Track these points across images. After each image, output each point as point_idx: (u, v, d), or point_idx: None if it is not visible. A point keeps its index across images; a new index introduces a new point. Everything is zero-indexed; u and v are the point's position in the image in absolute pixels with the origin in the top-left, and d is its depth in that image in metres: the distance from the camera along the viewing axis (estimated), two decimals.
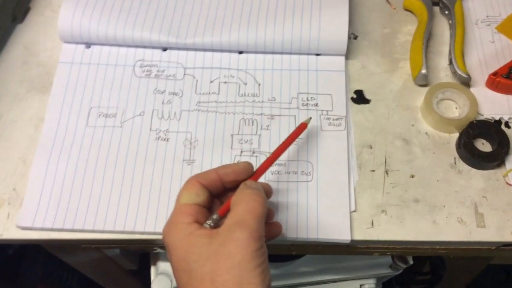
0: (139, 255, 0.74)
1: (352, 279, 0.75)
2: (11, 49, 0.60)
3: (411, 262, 0.71)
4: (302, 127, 0.48)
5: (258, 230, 0.35)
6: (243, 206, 0.37)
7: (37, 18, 0.62)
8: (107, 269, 0.72)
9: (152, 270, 0.66)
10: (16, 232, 0.49)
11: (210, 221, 0.38)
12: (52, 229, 0.48)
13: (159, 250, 0.56)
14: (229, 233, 0.35)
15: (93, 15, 0.56)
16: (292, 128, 0.53)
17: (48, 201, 0.49)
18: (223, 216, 0.39)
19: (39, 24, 0.62)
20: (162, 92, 0.56)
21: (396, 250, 0.52)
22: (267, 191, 0.44)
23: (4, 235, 0.49)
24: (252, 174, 0.42)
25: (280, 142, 0.51)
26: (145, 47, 0.58)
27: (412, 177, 0.51)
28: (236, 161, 0.52)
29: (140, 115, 0.55)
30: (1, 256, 0.93)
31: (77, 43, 0.58)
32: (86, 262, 0.67)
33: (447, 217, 0.49)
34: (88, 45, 0.58)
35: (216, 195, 0.42)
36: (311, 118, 0.50)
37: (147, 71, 0.57)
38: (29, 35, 0.61)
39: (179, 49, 0.58)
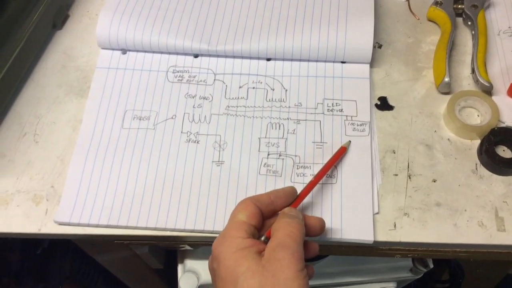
0: (165, 255, 0.76)
1: (373, 282, 0.76)
2: (51, 54, 0.63)
3: (431, 266, 0.72)
4: (342, 151, 0.52)
5: (299, 251, 0.39)
6: (282, 231, 0.40)
7: (75, 25, 0.66)
8: (134, 268, 0.74)
9: (179, 267, 0.68)
10: (54, 227, 0.51)
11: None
12: (88, 225, 0.51)
13: (187, 247, 0.58)
14: (273, 254, 0.38)
15: (129, 24, 0.59)
16: (317, 132, 0.55)
17: (84, 198, 0.52)
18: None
19: (77, 30, 0.65)
20: (193, 97, 0.59)
21: (417, 252, 0.53)
22: (319, 227, 0.46)
23: (42, 230, 0.51)
24: (296, 198, 0.46)
25: (305, 147, 0.54)
26: (177, 53, 0.61)
27: (434, 181, 0.53)
28: (263, 164, 0.54)
29: (172, 118, 0.57)
30: (30, 255, 0.96)
31: (113, 49, 0.61)
32: (115, 260, 0.70)
33: (468, 220, 0.50)
34: (124, 51, 0.61)
35: (266, 217, 0.45)
36: (350, 141, 0.53)
37: (179, 77, 0.60)
38: (68, 41, 0.64)
39: (210, 56, 0.61)
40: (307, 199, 0.51)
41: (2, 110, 0.57)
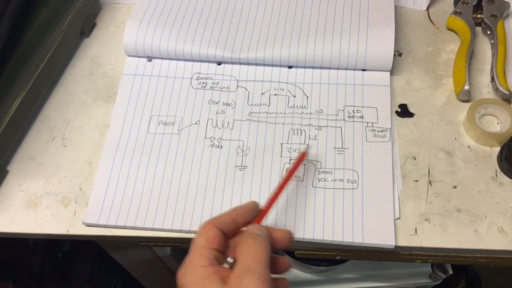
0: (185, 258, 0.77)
1: None
2: (79, 61, 0.65)
3: (451, 272, 0.72)
4: (302, 157, 0.53)
5: (265, 274, 0.37)
6: (247, 254, 0.39)
7: (102, 33, 0.68)
8: (155, 270, 0.75)
9: None
10: (82, 228, 0.53)
11: (226, 265, 0.40)
12: (115, 226, 0.52)
13: None
14: (238, 281, 0.37)
15: (155, 32, 0.61)
16: (338, 138, 0.56)
17: (112, 200, 0.54)
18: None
19: (104, 38, 0.67)
20: (217, 103, 0.60)
21: (438, 258, 0.54)
22: (287, 239, 0.44)
23: (71, 231, 0.52)
24: (259, 213, 0.45)
25: (326, 153, 0.55)
26: (201, 61, 0.63)
27: (455, 187, 0.53)
28: (285, 169, 0.55)
29: (196, 123, 0.59)
30: (51, 258, 0.98)
31: (139, 56, 0.63)
32: (137, 262, 0.71)
33: (488, 226, 0.51)
34: (150, 58, 0.63)
35: (230, 237, 0.43)
36: (308, 145, 0.55)
37: (203, 83, 0.61)
38: (95, 48, 0.66)
39: (233, 63, 0.62)
40: (328, 203, 0.52)
41: (32, 114, 0.59)
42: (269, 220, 0.51)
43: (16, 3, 0.56)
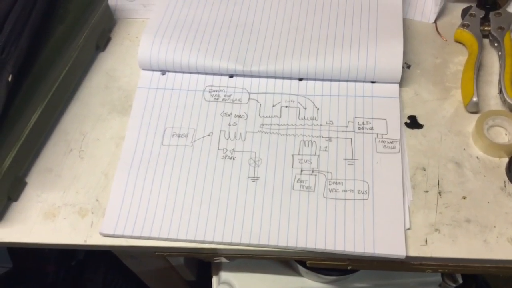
0: (198, 267, 0.79)
1: None
2: (94, 74, 0.66)
3: (460, 281, 0.72)
4: None
5: None
6: None
7: (117, 47, 0.69)
8: (169, 279, 0.76)
9: (214, 279, 0.70)
10: (99, 239, 0.54)
11: None
12: (131, 236, 0.53)
13: (223, 259, 0.60)
14: None
15: (169, 46, 0.63)
16: (348, 150, 0.57)
17: (128, 211, 0.55)
18: None
19: (118, 52, 0.69)
20: (229, 115, 0.61)
21: (448, 268, 0.55)
22: None
23: (88, 241, 0.54)
24: None
25: (337, 164, 0.55)
26: (214, 74, 0.64)
27: (464, 198, 0.54)
28: (297, 180, 0.56)
29: (209, 135, 0.60)
30: (66, 267, 0.99)
31: (153, 70, 0.64)
32: (151, 270, 0.72)
33: (497, 237, 0.52)
34: (164, 72, 0.64)
35: None
36: None
37: (215, 96, 0.63)
38: (110, 62, 0.68)
39: (244, 76, 0.64)
40: (339, 214, 0.53)
41: (49, 127, 0.61)
42: (281, 230, 0.52)
43: (34, 21, 0.58)
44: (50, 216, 0.55)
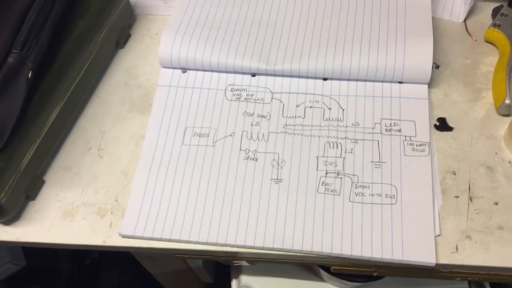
0: (215, 270, 0.77)
1: None
2: (114, 72, 0.65)
3: None
4: None
5: None
6: None
7: (137, 45, 0.68)
8: (186, 281, 0.75)
9: (234, 282, 0.68)
10: (118, 240, 0.53)
11: None
12: (151, 238, 0.52)
13: (243, 263, 0.59)
14: None
15: (190, 44, 0.61)
16: (375, 152, 0.56)
17: (148, 212, 0.54)
18: None
19: (138, 49, 0.67)
20: (251, 115, 0.60)
21: (479, 276, 0.52)
22: None
23: (107, 242, 0.53)
24: None
25: (363, 166, 0.53)
26: (235, 72, 0.62)
27: (496, 204, 0.52)
28: (321, 182, 0.54)
29: (230, 135, 0.58)
30: (80, 265, 0.99)
31: (174, 68, 0.63)
32: (168, 272, 0.71)
33: None
34: (184, 70, 0.63)
35: None
36: None
37: (237, 95, 0.61)
38: (130, 59, 0.66)
39: (267, 75, 0.62)
40: (366, 219, 0.51)
41: (68, 125, 0.60)
42: (306, 235, 0.51)
43: (55, 16, 0.57)
44: (68, 215, 0.54)
